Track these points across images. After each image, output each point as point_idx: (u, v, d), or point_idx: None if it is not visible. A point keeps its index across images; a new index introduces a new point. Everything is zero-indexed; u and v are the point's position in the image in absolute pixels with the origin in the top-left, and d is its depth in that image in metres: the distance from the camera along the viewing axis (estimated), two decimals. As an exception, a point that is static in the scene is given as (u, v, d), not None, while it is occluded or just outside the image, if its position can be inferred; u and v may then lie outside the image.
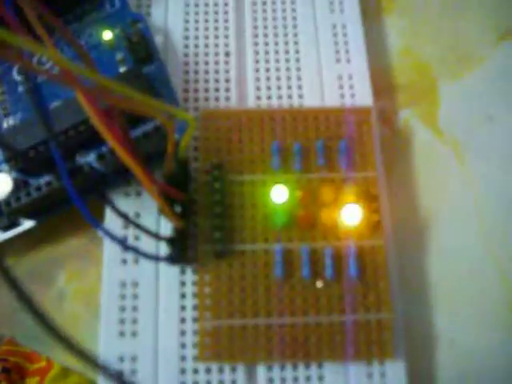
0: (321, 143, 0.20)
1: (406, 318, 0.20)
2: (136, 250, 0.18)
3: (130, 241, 0.20)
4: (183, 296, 0.19)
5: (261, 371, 0.19)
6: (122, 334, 0.19)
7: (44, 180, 0.19)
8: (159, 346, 0.19)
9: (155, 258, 0.19)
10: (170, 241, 0.18)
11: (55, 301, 0.21)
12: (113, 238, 0.17)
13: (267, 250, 0.19)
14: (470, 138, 0.23)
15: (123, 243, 0.18)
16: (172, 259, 0.18)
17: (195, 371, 0.19)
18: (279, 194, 0.19)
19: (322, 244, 0.19)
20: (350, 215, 0.19)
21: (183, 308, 0.19)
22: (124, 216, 0.18)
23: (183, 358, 0.19)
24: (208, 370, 0.19)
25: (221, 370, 0.19)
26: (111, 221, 0.20)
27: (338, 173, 0.20)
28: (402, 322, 0.19)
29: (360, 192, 0.19)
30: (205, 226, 0.19)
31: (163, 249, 0.19)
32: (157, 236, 0.18)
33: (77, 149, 0.20)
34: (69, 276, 0.21)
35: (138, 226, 0.18)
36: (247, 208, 0.19)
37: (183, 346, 0.19)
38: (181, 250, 0.19)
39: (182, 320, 0.19)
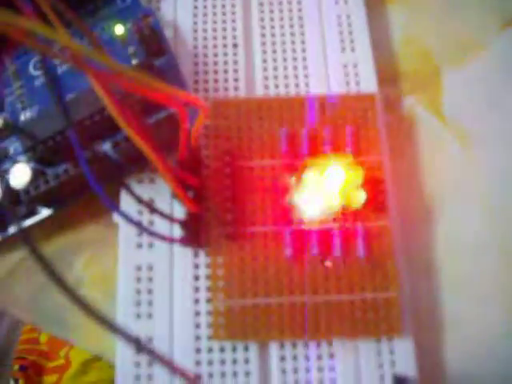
0: (327, 129, 0.21)
1: (413, 297, 0.20)
2: (151, 232, 0.19)
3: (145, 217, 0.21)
4: (197, 278, 0.20)
5: (273, 349, 0.19)
6: (138, 315, 0.20)
7: (62, 168, 0.20)
8: (174, 326, 0.19)
9: (169, 240, 0.19)
10: (184, 223, 0.19)
11: (73, 287, 0.22)
12: (130, 220, 0.18)
13: (277, 232, 0.20)
14: (474, 124, 0.23)
15: (139, 225, 0.18)
16: (185, 241, 0.19)
17: (210, 350, 0.19)
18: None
19: (330, 225, 0.20)
20: (355, 198, 0.19)
21: (197, 289, 0.20)
22: (139, 199, 0.19)
23: (198, 338, 0.19)
24: (222, 349, 0.19)
25: (234, 349, 0.19)
26: (126, 207, 0.21)
27: (344, 157, 0.20)
28: (409, 301, 0.20)
29: (366, 175, 0.20)
30: (216, 209, 0.20)
31: (177, 233, 0.20)
32: (171, 218, 0.19)
33: (93, 138, 0.21)
34: (86, 262, 0.22)
35: (152, 209, 0.19)
36: (257, 192, 0.20)
37: (198, 326, 0.19)
38: (194, 233, 0.19)
39: (196, 301, 0.20)
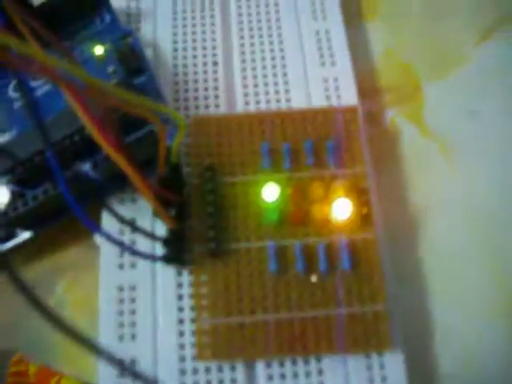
0: (309, 143, 0.20)
1: (402, 309, 0.20)
2: (133, 251, 0.18)
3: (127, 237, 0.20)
4: (180, 297, 0.20)
5: (260, 368, 0.19)
6: (121, 337, 0.19)
7: (40, 189, 0.20)
8: (158, 347, 0.19)
9: (152, 258, 0.19)
10: (165, 241, 0.19)
11: (54, 310, 0.21)
12: (111, 239, 0.18)
13: (261, 248, 0.19)
14: (456, 134, 0.23)
15: (121, 244, 0.18)
16: (167, 259, 0.19)
17: (195, 371, 0.19)
18: (270, 193, 0.19)
19: (314, 239, 0.19)
20: (341, 210, 0.19)
21: (181, 309, 0.19)
22: (121, 218, 0.18)
23: (182, 359, 0.19)
24: (207, 370, 0.19)
25: (220, 369, 0.19)
26: (108, 227, 0.20)
27: (328, 170, 0.20)
28: (398, 314, 0.19)
29: (349, 187, 0.20)
30: (199, 226, 0.19)
31: (159, 252, 0.20)
32: (153, 236, 0.19)
33: (72, 158, 0.20)
34: (67, 285, 0.21)
35: (134, 228, 0.19)
36: (240, 208, 0.20)
37: (182, 346, 0.19)
38: (176, 251, 0.19)
39: (180, 321, 0.19)
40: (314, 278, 0.19)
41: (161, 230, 0.20)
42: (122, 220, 0.18)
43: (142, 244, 0.20)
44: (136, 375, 0.14)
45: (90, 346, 0.13)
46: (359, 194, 0.20)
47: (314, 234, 0.19)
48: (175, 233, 0.19)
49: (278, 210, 0.19)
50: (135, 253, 0.18)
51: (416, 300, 0.21)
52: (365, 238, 0.19)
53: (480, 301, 0.21)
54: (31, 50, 0.13)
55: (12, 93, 0.22)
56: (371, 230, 0.19)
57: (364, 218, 0.19)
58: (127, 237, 0.20)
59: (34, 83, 0.22)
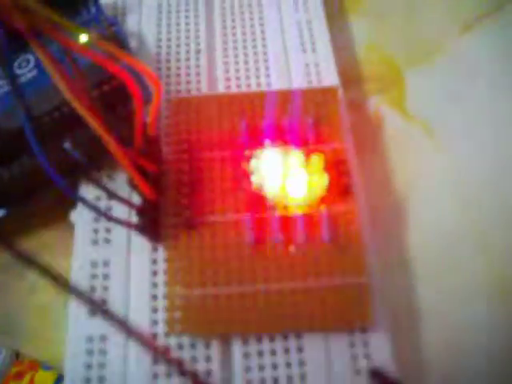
0: (288, 120, 0.20)
1: (387, 289, 0.19)
2: (109, 216, 0.18)
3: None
4: (154, 273, 0.19)
5: (236, 345, 0.18)
6: (92, 312, 0.18)
7: (16, 163, 0.20)
8: (130, 324, 0.18)
9: (127, 225, 0.18)
10: (141, 211, 0.18)
11: (27, 293, 0.20)
12: (88, 204, 0.17)
13: (238, 220, 0.19)
14: (439, 117, 0.23)
15: (97, 210, 0.18)
16: (142, 228, 0.18)
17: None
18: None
19: (292, 211, 0.19)
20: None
21: (154, 285, 0.19)
22: (99, 183, 0.18)
23: (155, 336, 0.18)
24: (180, 346, 0.18)
25: (193, 346, 0.18)
26: (85, 194, 0.20)
27: (306, 146, 0.20)
28: (381, 290, 0.18)
29: (328, 159, 0.19)
30: (174, 198, 0.19)
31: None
32: (129, 203, 0.18)
33: (52, 136, 0.20)
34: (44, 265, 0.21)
35: (111, 194, 0.18)
36: (217, 181, 0.19)
37: (155, 322, 0.18)
38: (151, 222, 0.19)
39: (154, 297, 0.18)
40: (292, 249, 0.18)
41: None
42: (98, 185, 0.18)
43: (119, 215, 0.19)
44: (107, 314, 0.13)
45: (61, 282, 0.13)
46: (338, 164, 0.19)
47: (293, 207, 0.19)
48: (150, 203, 0.19)
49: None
50: (111, 218, 0.17)
51: (403, 280, 0.20)
52: (344, 209, 0.19)
53: (470, 281, 0.20)
54: None
55: (-2, 80, 0.23)
56: (351, 202, 0.19)
57: (343, 189, 0.19)
58: (104, 206, 0.20)
59: (19, 71, 0.22)
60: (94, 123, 0.17)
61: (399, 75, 0.24)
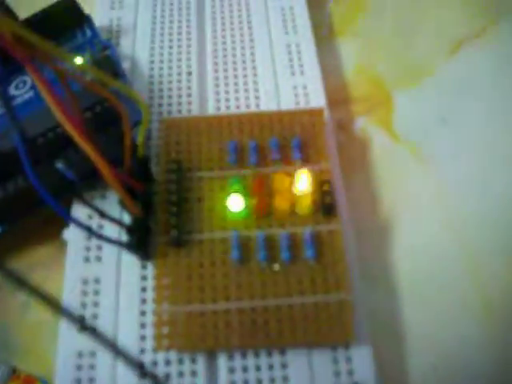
0: (275, 140, 0.21)
1: (371, 306, 0.20)
2: (100, 235, 0.18)
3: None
4: (144, 290, 0.19)
5: (222, 360, 0.18)
6: (82, 328, 0.19)
7: (11, 182, 0.20)
8: (119, 339, 0.18)
9: (118, 244, 0.19)
10: (130, 229, 0.19)
11: (19, 310, 0.21)
12: (79, 224, 0.18)
13: (224, 238, 0.19)
14: (425, 140, 0.24)
15: (89, 229, 0.18)
16: (131, 247, 0.19)
17: (154, 363, 0.18)
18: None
19: (277, 229, 0.19)
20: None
21: (144, 301, 0.19)
22: (89, 204, 0.19)
23: (143, 351, 0.18)
24: (167, 362, 0.18)
25: (180, 361, 0.18)
26: (77, 213, 0.21)
27: (292, 166, 0.21)
28: (364, 307, 0.19)
29: (313, 180, 0.20)
30: (162, 217, 0.19)
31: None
32: (120, 223, 0.19)
33: (45, 157, 0.21)
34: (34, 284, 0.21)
35: (102, 214, 0.19)
36: (205, 201, 0.20)
37: (143, 338, 0.18)
38: (139, 240, 0.19)
39: (142, 313, 0.19)
40: (276, 267, 0.19)
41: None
42: (90, 205, 0.18)
43: (110, 233, 0.20)
44: (95, 333, 0.14)
45: (51, 301, 0.13)
46: (322, 184, 0.20)
47: (277, 225, 0.20)
48: (140, 222, 0.19)
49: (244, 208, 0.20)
50: (102, 237, 0.18)
51: (387, 301, 0.20)
52: (329, 228, 0.19)
53: (458, 301, 0.20)
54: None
55: (-8, 101, 0.23)
56: (335, 221, 0.19)
57: (328, 208, 0.19)
58: (95, 224, 0.21)
59: (14, 92, 0.23)
60: (84, 145, 0.17)
61: (387, 96, 0.25)
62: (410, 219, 0.22)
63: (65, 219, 0.20)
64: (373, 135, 0.24)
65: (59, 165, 0.21)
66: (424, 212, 0.22)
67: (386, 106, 0.25)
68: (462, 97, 0.25)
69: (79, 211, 0.21)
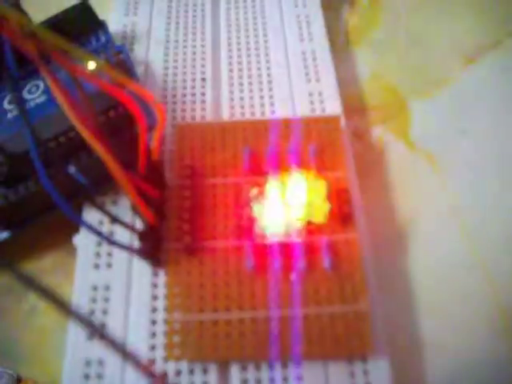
0: (291, 147, 0.21)
1: (388, 317, 0.19)
2: (111, 241, 0.18)
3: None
4: (155, 298, 0.19)
5: (234, 371, 0.18)
6: (90, 337, 0.18)
7: (22, 186, 0.20)
8: (128, 348, 0.18)
9: (129, 249, 0.18)
10: (142, 236, 0.18)
11: (27, 315, 0.20)
12: (90, 228, 0.17)
13: (238, 246, 0.19)
14: (442, 150, 0.23)
15: (100, 234, 0.18)
16: (143, 253, 0.18)
17: (165, 373, 0.18)
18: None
19: (293, 238, 0.19)
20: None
21: (154, 310, 0.19)
22: (101, 209, 0.18)
23: (153, 361, 0.18)
24: (178, 372, 0.18)
25: (191, 372, 0.18)
26: (88, 218, 0.20)
27: (308, 174, 0.20)
28: (382, 318, 0.18)
29: (330, 188, 0.19)
30: (175, 223, 0.19)
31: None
32: (132, 228, 0.18)
33: (57, 161, 0.21)
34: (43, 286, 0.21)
35: (113, 219, 0.18)
36: (219, 207, 0.20)
37: (153, 347, 0.18)
38: (152, 247, 0.19)
39: (153, 322, 0.18)
40: (292, 276, 0.18)
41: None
42: (102, 210, 0.18)
43: (121, 237, 0.20)
44: (105, 338, 0.13)
45: (61, 304, 0.13)
46: (340, 193, 0.19)
47: (294, 234, 0.19)
48: (152, 229, 0.19)
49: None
50: (113, 243, 0.17)
51: (405, 310, 0.20)
52: (346, 237, 0.19)
53: (475, 312, 0.20)
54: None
55: (7, 105, 0.23)
56: (352, 230, 0.19)
57: (345, 217, 0.19)
58: (106, 230, 0.20)
59: (27, 96, 0.23)
60: (98, 149, 0.17)
61: (403, 105, 0.25)
62: (426, 229, 0.21)
63: (76, 223, 0.20)
64: (389, 144, 0.24)
65: (71, 169, 0.21)
66: (440, 222, 0.22)
67: (403, 116, 0.24)
68: (479, 107, 0.24)
69: (90, 216, 0.20)
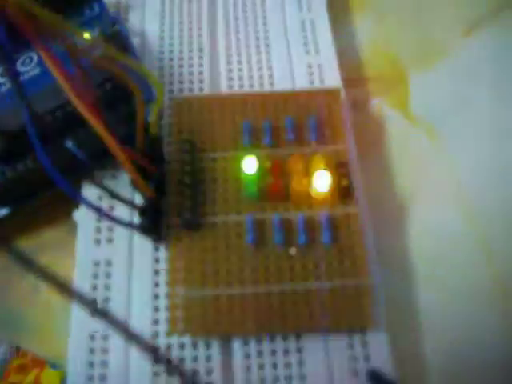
0: (290, 120, 0.20)
1: (387, 290, 0.19)
2: (111, 217, 0.18)
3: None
4: (157, 273, 0.19)
5: (237, 345, 0.18)
6: (94, 312, 0.18)
7: (21, 163, 0.20)
8: (131, 323, 0.18)
9: (129, 226, 0.18)
10: (142, 211, 0.18)
11: (30, 292, 0.21)
12: (90, 205, 0.17)
13: (239, 221, 0.19)
14: (441, 120, 0.23)
15: (99, 210, 0.18)
16: (144, 229, 0.18)
17: (168, 347, 0.18)
18: (250, 165, 0.19)
19: (294, 213, 0.19)
20: (321, 181, 0.19)
21: (156, 284, 0.19)
22: (101, 185, 0.18)
23: (156, 335, 0.18)
24: (181, 346, 0.18)
25: (195, 346, 0.18)
26: (87, 194, 0.20)
27: (308, 146, 0.20)
28: (381, 291, 0.19)
29: (329, 161, 0.19)
30: (175, 198, 0.19)
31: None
32: (131, 204, 0.18)
33: (55, 136, 0.20)
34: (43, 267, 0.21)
35: (113, 195, 0.18)
36: (219, 182, 0.20)
37: (156, 322, 0.18)
38: (152, 222, 0.19)
39: (156, 296, 0.19)
40: (292, 251, 0.18)
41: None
42: (100, 186, 0.18)
43: (121, 215, 0.20)
44: (108, 317, 0.14)
45: (61, 285, 0.13)
46: (339, 166, 0.19)
47: (294, 208, 0.19)
48: (152, 204, 0.19)
49: (258, 183, 0.19)
50: (113, 219, 0.17)
51: (404, 282, 0.20)
52: (346, 212, 0.19)
53: (470, 286, 0.20)
54: None
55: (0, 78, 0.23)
56: (352, 204, 0.19)
57: (344, 191, 0.19)
58: (106, 205, 0.20)
59: (21, 68, 0.22)
60: (95, 124, 0.17)
61: (403, 75, 0.24)
62: (425, 201, 0.22)
63: (75, 200, 0.20)
64: (388, 115, 0.23)
65: (69, 144, 0.20)
66: (439, 193, 0.22)
67: (402, 86, 0.24)
68: (479, 77, 0.24)
69: (89, 192, 0.20)
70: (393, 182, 0.22)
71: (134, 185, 0.19)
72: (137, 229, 0.18)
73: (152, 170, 0.19)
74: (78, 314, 0.18)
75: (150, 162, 0.19)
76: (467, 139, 0.23)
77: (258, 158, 0.19)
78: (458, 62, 0.24)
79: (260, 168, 0.19)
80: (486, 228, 0.21)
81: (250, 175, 0.19)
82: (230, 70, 0.23)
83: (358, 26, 0.26)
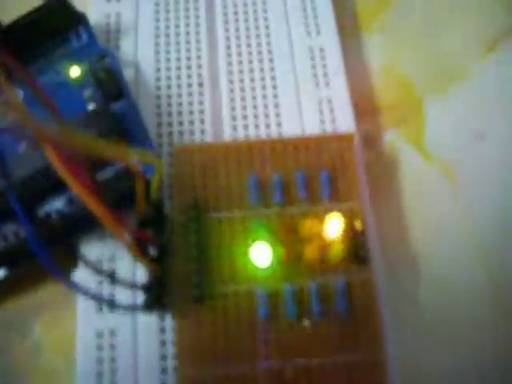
0: (301, 174, 0.19)
1: (401, 354, 0.19)
2: (111, 303, 0.17)
3: (105, 286, 0.19)
4: (163, 343, 0.18)
5: (249, 422, 0.18)
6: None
7: (11, 229, 0.18)
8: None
9: (132, 309, 0.18)
10: (146, 288, 0.17)
11: (31, 352, 0.20)
12: (85, 292, 0.16)
13: (249, 291, 0.18)
14: (460, 158, 0.22)
15: (96, 297, 0.17)
16: (149, 306, 0.17)
17: (179, 426, 0.17)
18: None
19: (307, 281, 0.18)
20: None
21: (164, 357, 0.18)
22: (96, 268, 0.17)
23: (166, 411, 0.18)
24: (193, 425, 0.17)
25: (205, 426, 0.18)
26: (83, 273, 0.19)
27: (321, 205, 0.19)
28: (396, 363, 0.18)
29: (345, 224, 0.18)
30: (181, 270, 0.18)
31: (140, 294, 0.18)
32: (132, 285, 0.17)
33: (43, 197, 0.19)
34: (45, 326, 0.20)
35: (112, 278, 0.17)
36: (225, 247, 0.18)
37: (165, 396, 0.18)
38: (157, 297, 0.18)
39: (163, 370, 0.18)
40: (306, 322, 0.18)
41: (141, 269, 0.19)
42: (97, 270, 0.17)
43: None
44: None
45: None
46: (355, 233, 0.18)
47: (307, 276, 0.18)
48: (156, 276, 0.18)
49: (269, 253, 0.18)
50: (114, 305, 0.17)
51: (417, 343, 0.19)
52: (361, 281, 0.18)
53: (489, 338, 0.19)
54: None
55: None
56: (369, 271, 0.18)
57: (360, 260, 0.18)
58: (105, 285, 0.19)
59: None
60: (93, 206, 0.15)
61: (418, 104, 0.23)
62: (440, 251, 0.20)
63: (54, 276, 0.18)
64: (402, 152, 0.22)
65: (59, 205, 0.19)
66: (456, 243, 0.21)
67: (417, 117, 0.22)
68: (497, 108, 0.22)
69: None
70: (406, 228, 0.21)
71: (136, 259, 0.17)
72: (142, 309, 0.17)
73: (154, 241, 0.18)
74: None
75: (152, 231, 0.18)
76: (485, 179, 0.21)
77: (267, 219, 0.18)
78: (478, 86, 0.23)
79: (271, 232, 0.18)
80: (504, 277, 0.20)
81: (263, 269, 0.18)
82: (233, 108, 0.21)
83: (368, 49, 0.23)
